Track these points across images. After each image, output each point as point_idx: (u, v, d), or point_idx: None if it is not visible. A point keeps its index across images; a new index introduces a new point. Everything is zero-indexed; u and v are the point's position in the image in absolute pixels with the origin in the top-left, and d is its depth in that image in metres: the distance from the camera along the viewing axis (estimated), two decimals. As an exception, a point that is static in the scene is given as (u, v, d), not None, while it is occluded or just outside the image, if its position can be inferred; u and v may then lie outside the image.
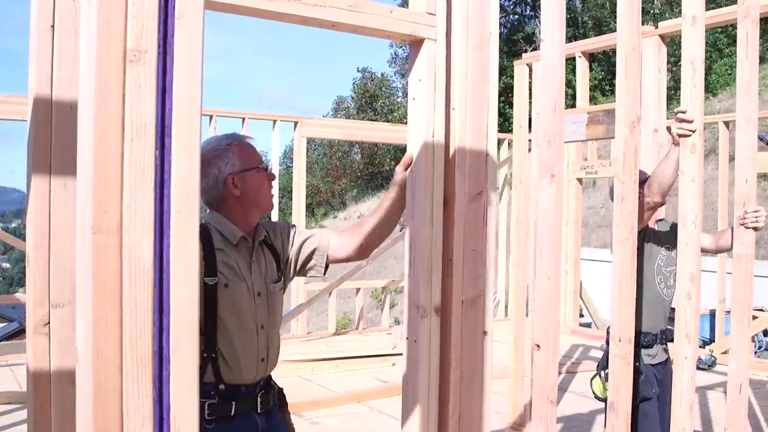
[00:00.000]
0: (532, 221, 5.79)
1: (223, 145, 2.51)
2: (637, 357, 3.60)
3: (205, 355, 2.41)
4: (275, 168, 9.49)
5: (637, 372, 3.61)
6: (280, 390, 2.71)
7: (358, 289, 10.69)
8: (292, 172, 10.82)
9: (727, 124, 8.92)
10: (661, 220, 4.09)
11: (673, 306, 4.13)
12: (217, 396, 2.42)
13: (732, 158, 12.28)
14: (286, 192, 24.33)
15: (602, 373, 3.94)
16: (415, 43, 2.10)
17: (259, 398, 2.52)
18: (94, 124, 1.19)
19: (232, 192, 2.49)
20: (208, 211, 2.59)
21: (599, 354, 8.82)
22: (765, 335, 11.09)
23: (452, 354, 2.10)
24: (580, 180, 9.79)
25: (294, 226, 2.80)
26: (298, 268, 2.73)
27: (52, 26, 1.99)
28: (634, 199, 2.86)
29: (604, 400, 3.95)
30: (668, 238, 3.97)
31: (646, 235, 3.71)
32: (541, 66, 2.56)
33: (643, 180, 3.67)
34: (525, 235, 6.06)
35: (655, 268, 3.87)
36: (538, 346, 2.50)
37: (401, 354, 8.40)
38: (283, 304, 2.72)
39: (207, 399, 2.40)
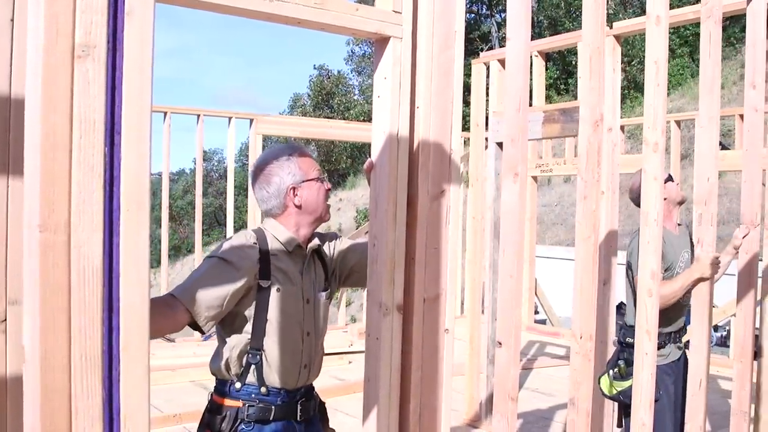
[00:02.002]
0: (488, 219, 5.83)
1: (285, 156, 2.59)
2: None
3: (249, 355, 2.47)
4: (230, 165, 9.42)
5: None
6: (322, 403, 2.77)
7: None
8: (247, 170, 10.75)
9: (678, 123, 9.05)
10: (679, 224, 4.21)
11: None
12: (258, 399, 2.47)
13: (683, 157, 12.43)
14: (242, 190, 24.23)
15: (611, 371, 4.02)
16: (381, 41, 2.11)
17: (299, 406, 2.56)
18: (41, 120, 1.17)
19: (292, 202, 2.57)
20: (263, 220, 2.67)
21: (555, 350, 8.91)
22: (716, 330, 11.29)
23: (414, 351, 2.13)
24: (535, 178, 9.88)
25: (340, 236, 2.88)
26: (342, 278, 2.81)
27: (12, 20, 1.96)
28: (596, 197, 2.89)
29: (611, 397, 4.04)
30: (685, 242, 4.15)
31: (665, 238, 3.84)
32: (507, 64, 2.56)
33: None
34: (481, 232, 6.10)
35: (674, 271, 3.97)
36: (500, 344, 2.52)
37: (357, 352, 8.34)
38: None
39: (248, 401, 2.47)
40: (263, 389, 2.47)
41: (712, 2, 3.36)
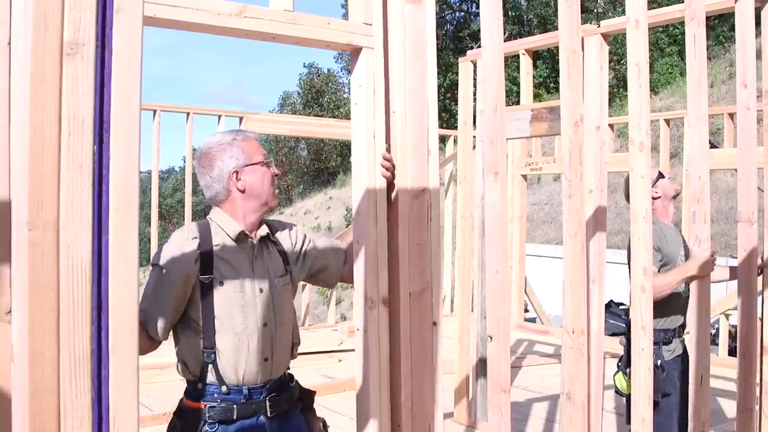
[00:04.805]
0: (477, 217, 5.84)
1: (228, 140, 2.53)
2: (657, 354, 3.76)
3: (204, 354, 2.40)
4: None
5: (659, 369, 3.84)
6: (305, 392, 2.69)
7: (304, 285, 10.62)
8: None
9: (668, 121, 9.08)
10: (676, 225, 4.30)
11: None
12: (220, 398, 2.41)
13: (673, 155, 12.41)
14: (232, 188, 24.12)
15: (628, 369, 4.07)
16: (354, 52, 2.25)
17: (267, 401, 2.48)
18: (29, 118, 1.17)
19: (235, 186, 2.51)
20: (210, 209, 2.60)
21: (545, 348, 8.92)
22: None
23: (402, 344, 2.19)
24: (524, 176, 9.88)
25: (296, 226, 2.82)
26: (310, 274, 2.74)
27: (9, 43, 1.95)
28: (581, 194, 2.93)
29: (627, 395, 4.09)
30: (680, 239, 4.24)
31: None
32: (482, 68, 2.63)
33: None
34: (470, 230, 6.10)
35: (675, 265, 4.02)
36: (491, 338, 2.57)
37: (347, 350, 8.35)
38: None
39: (209, 401, 2.41)
40: (224, 388, 2.41)
41: (695, 4, 3.39)
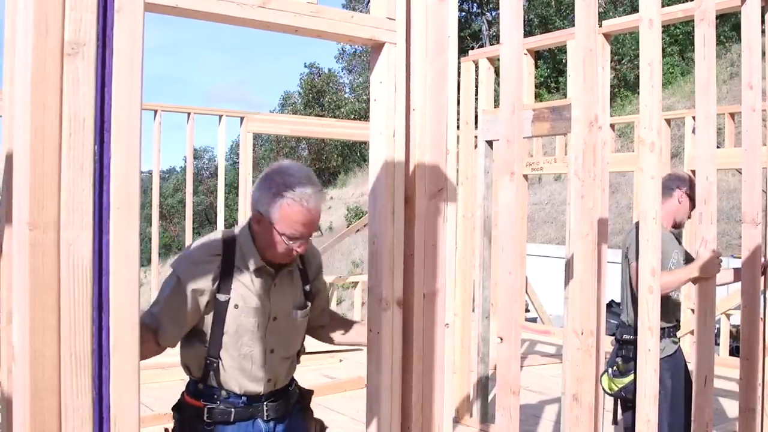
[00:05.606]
0: (478, 217, 5.84)
1: (281, 189, 2.34)
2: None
3: (208, 362, 2.42)
4: (221, 163, 9.39)
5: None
6: (304, 392, 2.71)
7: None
8: (238, 168, 10.75)
9: (669, 121, 9.07)
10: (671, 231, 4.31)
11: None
12: (219, 400, 2.43)
13: (673, 155, 12.38)
14: (233, 188, 24.17)
15: (609, 369, 4.09)
16: (376, 47, 2.19)
17: (265, 406, 2.49)
18: (30, 118, 1.16)
19: (254, 224, 2.44)
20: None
21: (546, 348, 8.92)
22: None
23: (414, 345, 2.17)
24: (525, 176, 9.86)
25: (320, 261, 2.78)
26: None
27: None
28: (594, 195, 2.92)
29: (613, 395, 4.11)
30: (675, 243, 4.24)
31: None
32: (501, 68, 2.61)
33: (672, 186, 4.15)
34: (471, 231, 6.10)
35: (666, 268, 4.02)
36: (501, 339, 2.56)
37: (349, 350, 8.31)
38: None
39: (209, 402, 2.43)
40: (224, 392, 2.43)
41: (705, 5, 3.39)
